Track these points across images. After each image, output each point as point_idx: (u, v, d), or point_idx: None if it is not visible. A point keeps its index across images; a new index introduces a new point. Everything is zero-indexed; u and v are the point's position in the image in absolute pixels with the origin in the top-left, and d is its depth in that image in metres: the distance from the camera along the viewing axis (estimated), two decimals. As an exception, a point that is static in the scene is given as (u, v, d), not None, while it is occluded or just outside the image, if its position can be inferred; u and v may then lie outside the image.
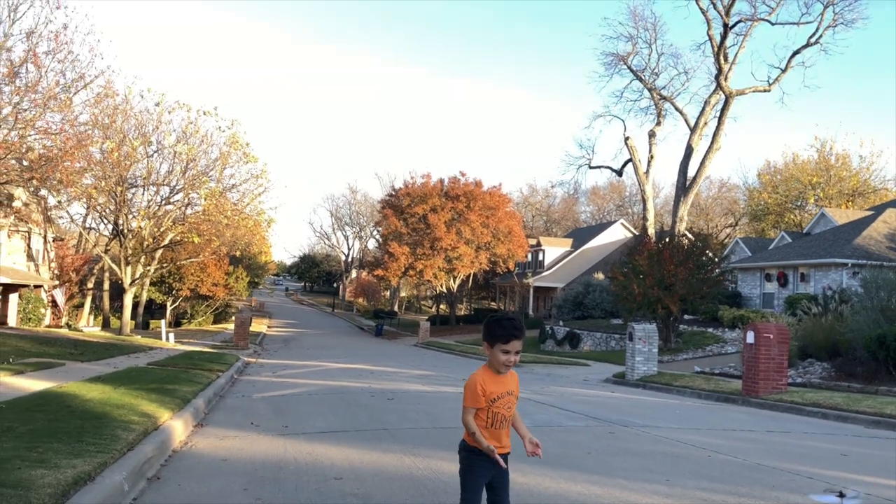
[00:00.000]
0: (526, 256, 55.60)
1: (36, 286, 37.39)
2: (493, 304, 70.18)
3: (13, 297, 35.54)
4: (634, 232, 54.13)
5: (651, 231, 37.07)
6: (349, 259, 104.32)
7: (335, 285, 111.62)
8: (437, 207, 50.73)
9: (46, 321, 39.03)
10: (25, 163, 19.91)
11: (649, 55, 39.79)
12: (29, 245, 38.42)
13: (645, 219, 38.92)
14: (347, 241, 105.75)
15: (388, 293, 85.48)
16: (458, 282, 54.16)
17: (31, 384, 9.86)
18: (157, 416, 7.48)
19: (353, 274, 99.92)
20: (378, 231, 67.63)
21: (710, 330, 28.95)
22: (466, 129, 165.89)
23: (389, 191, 67.72)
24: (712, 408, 12.83)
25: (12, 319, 35.08)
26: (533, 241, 58.61)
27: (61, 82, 21.34)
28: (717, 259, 27.54)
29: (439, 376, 17.32)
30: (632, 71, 39.71)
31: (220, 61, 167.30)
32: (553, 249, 57.75)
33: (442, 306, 63.21)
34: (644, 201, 39.55)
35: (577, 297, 39.74)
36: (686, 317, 29.16)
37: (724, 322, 29.37)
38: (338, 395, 11.85)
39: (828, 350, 18.77)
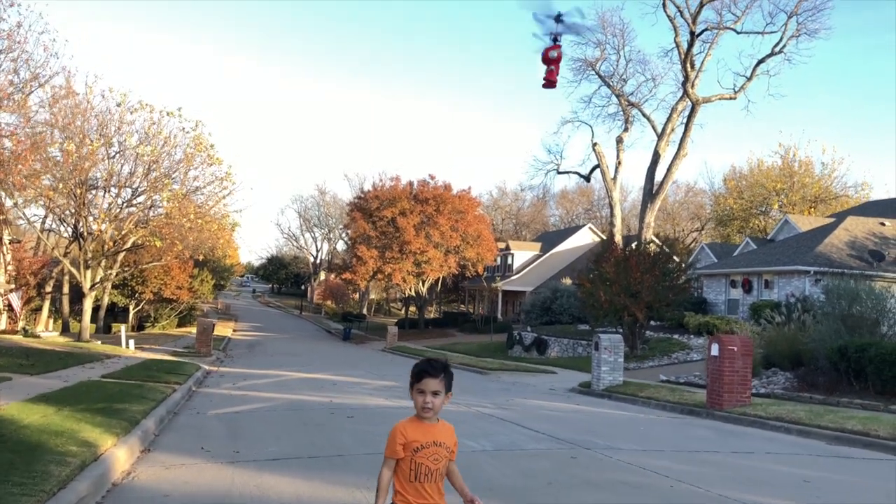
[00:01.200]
0: (495, 260, 55.57)
1: (-9, 290, 36.26)
2: (462, 307, 70.07)
3: (-34, 302, 34.39)
4: (602, 236, 54.43)
5: (618, 237, 37.24)
6: (318, 261, 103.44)
7: (303, 287, 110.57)
8: (406, 211, 50.42)
9: (2, 327, 37.89)
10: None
11: (617, 61, 40.05)
12: (-17, 247, 37.24)
13: (612, 224, 39.10)
14: (316, 242, 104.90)
15: (357, 295, 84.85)
16: (427, 285, 53.90)
17: (-30, 405, 9.38)
18: (99, 443, 7.10)
19: (322, 276, 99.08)
20: (347, 234, 67.05)
21: (675, 336, 29.10)
22: (436, 131, 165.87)
23: (358, 193, 67.25)
24: (677, 423, 12.76)
25: (-35, 325, 33.94)
26: (502, 245, 58.61)
27: (14, 81, 20.63)
28: (683, 266, 27.67)
29: (403, 388, 16.90)
30: (600, 77, 39.87)
31: (184, 63, 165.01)
32: (522, 253, 57.81)
33: (412, 309, 62.89)
34: (611, 207, 39.74)
35: (544, 302, 39.75)
36: (652, 323, 29.29)
37: (689, 328, 29.55)
38: (296, 413, 11.52)
39: (791, 359, 18.88)
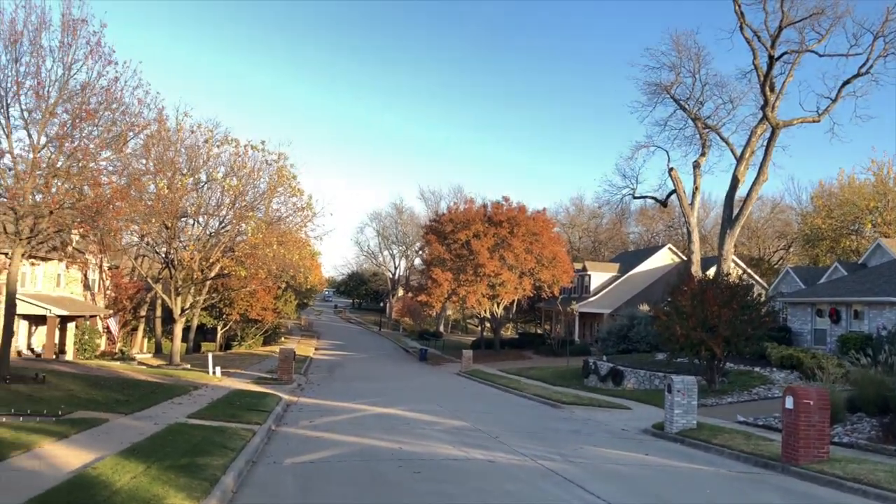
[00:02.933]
0: (571, 282, 55.17)
1: (91, 316, 38.71)
2: (538, 328, 69.71)
3: (70, 327, 36.87)
4: (682, 257, 53.22)
5: (695, 267, 36.37)
6: (395, 277, 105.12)
7: (382, 304, 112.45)
8: (480, 233, 50.79)
9: (102, 348, 40.38)
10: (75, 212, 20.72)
11: (693, 84, 39.26)
12: (85, 275, 39.86)
13: (690, 251, 38.24)
14: (394, 259, 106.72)
15: (433, 312, 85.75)
16: (501, 308, 53.99)
17: (69, 458, 10.24)
18: (181, 512, 7.69)
19: (400, 292, 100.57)
20: (423, 253, 68.03)
21: (756, 369, 28.20)
22: (512, 146, 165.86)
23: (433, 215, 68.18)
24: (747, 483, 12.49)
25: (70, 349, 36.36)
26: (578, 266, 58.14)
27: (113, 130, 22.14)
28: (763, 299, 26.83)
29: (473, 430, 17.30)
30: (675, 101, 39.19)
31: (261, 79, 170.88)
32: (599, 275, 57.16)
33: (488, 326, 63.13)
34: (689, 233, 38.88)
35: (621, 329, 39.21)
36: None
37: (771, 360, 28.56)
38: (366, 465, 11.95)
39: (878, 405, 18.07)
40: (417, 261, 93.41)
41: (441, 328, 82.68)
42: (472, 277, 49.94)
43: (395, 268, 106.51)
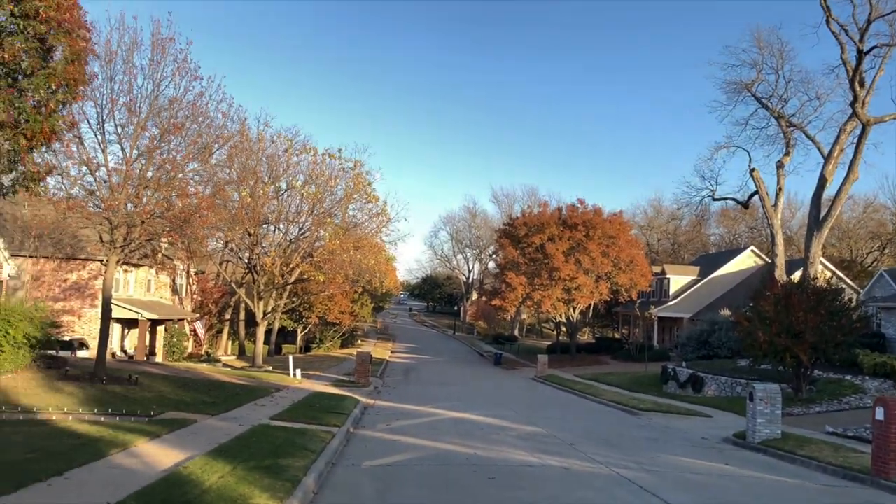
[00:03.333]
0: (649, 286, 54.07)
1: (179, 319, 40.49)
2: (615, 332, 68.59)
3: (160, 330, 38.67)
4: (766, 259, 51.37)
5: (779, 271, 35.02)
6: (469, 281, 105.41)
7: (456, 307, 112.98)
8: (554, 237, 50.38)
9: (189, 350, 42.19)
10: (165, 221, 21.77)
11: (776, 81, 37.85)
12: (174, 281, 41.73)
13: (773, 254, 36.85)
14: (468, 263, 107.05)
15: (508, 316, 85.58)
16: (577, 312, 53.42)
17: (162, 457, 10.82)
18: (265, 511, 8.04)
19: (474, 296, 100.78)
20: (497, 257, 67.99)
21: (847, 377, 26.99)
22: (587, 147, 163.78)
23: (507, 218, 68.05)
24: (832, 500, 12.02)
25: (159, 351, 38.15)
26: (657, 269, 56.93)
27: (199, 142, 23.19)
28: (853, 304, 25.66)
29: (548, 436, 17.25)
30: (757, 99, 37.89)
31: (336, 82, 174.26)
32: (678, 278, 55.81)
33: (564, 331, 62.54)
34: (773, 236, 37.49)
35: (701, 335, 38.17)
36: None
37: (864, 368, 27.28)
38: (441, 469, 12.13)
39: (980, 417, 17.02)
40: (491, 264, 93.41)
41: (516, 332, 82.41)
42: (546, 282, 49.59)
43: (469, 271, 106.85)
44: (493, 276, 75.94)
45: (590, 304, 53.62)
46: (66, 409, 16.05)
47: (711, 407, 25.59)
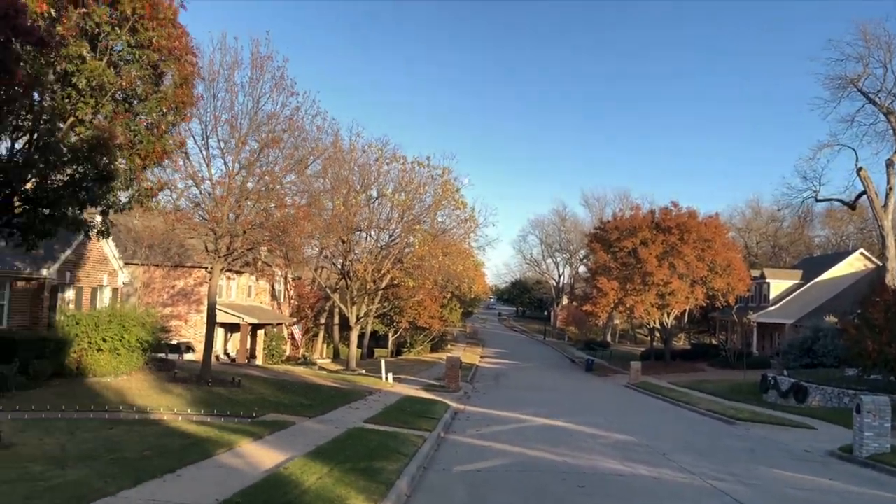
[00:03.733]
0: (748, 290, 52.06)
1: (277, 324, 42.14)
2: (712, 338, 66.37)
3: (260, 334, 40.37)
4: (877, 262, 48.54)
5: (890, 276, 32.98)
6: (560, 285, 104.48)
7: (546, 312, 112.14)
8: (647, 240, 49.35)
9: (287, 353, 43.83)
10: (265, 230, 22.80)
11: (884, 76, 35.74)
12: (272, 287, 43.48)
13: (884, 257, 34.78)
14: (558, 267, 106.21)
15: (599, 322, 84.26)
16: (671, 317, 52.08)
17: (264, 457, 11.40)
18: (361, 512, 8.38)
19: (564, 301, 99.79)
20: (588, 262, 67.21)
21: (969, 389, 25.17)
22: (680, 150, 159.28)
23: (597, 221, 67.15)
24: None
25: (259, 354, 39.83)
26: (756, 273, 54.77)
27: (295, 155, 24.17)
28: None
29: (640, 445, 17.00)
30: (864, 94, 35.91)
31: (424, 89, 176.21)
32: (779, 282, 53.42)
33: (658, 337, 61.06)
34: (882, 238, 35.43)
35: (804, 342, 36.45)
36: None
37: None
38: (530, 477, 12.21)
39: None
40: (582, 269, 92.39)
41: (608, 338, 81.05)
42: (639, 286, 48.63)
43: (559, 276, 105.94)
44: (584, 280, 75.09)
45: (685, 310, 52.22)
46: (175, 410, 17.10)
47: (815, 418, 24.44)
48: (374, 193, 38.99)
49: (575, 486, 11.42)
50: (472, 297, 67.22)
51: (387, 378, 31.83)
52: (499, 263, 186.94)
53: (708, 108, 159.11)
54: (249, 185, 22.72)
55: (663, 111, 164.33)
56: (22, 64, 8.51)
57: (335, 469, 10.74)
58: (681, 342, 70.91)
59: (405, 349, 60.76)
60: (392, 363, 41.96)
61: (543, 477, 12.19)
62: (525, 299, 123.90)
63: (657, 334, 59.10)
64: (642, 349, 65.64)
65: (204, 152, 22.49)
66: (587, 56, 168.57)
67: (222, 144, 22.55)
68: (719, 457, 15.78)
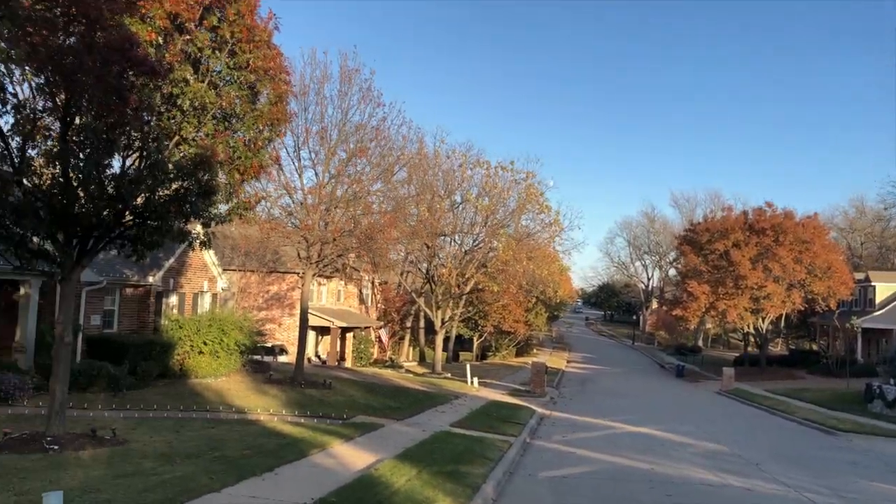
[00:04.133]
0: (851, 294, 49.45)
1: (365, 327, 43.17)
2: (811, 344, 63.40)
3: (349, 337, 41.46)
4: None
5: None
6: (649, 288, 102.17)
7: (635, 316, 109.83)
8: (740, 242, 47.68)
9: (374, 356, 44.83)
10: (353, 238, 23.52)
11: None
12: (360, 291, 44.57)
13: None
14: (647, 270, 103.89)
15: (690, 327, 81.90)
16: (767, 322, 50.10)
17: (354, 458, 11.85)
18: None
19: (653, 305, 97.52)
20: (678, 265, 65.55)
21: None
22: (775, 149, 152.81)
23: (687, 223, 65.42)
24: None
25: (348, 356, 40.92)
26: (860, 276, 51.93)
27: (382, 164, 24.82)
28: None
29: (732, 455, 16.57)
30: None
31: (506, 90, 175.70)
32: (886, 285, 50.36)
33: (752, 342, 58.84)
34: None
35: (912, 349, 34.36)
36: None
37: None
38: (617, 485, 12.16)
39: None
40: (672, 272, 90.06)
41: (699, 342, 78.71)
42: (732, 290, 47.04)
43: (648, 279, 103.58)
44: (674, 284, 73.21)
45: (781, 314, 50.11)
46: (271, 411, 17.89)
47: (926, 430, 23.10)
48: (458, 198, 39.45)
49: (663, 496, 11.31)
50: (558, 300, 66.72)
51: (472, 382, 32.08)
52: (585, 266, 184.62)
53: (802, 107, 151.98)
54: (338, 192, 23.50)
55: (756, 110, 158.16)
56: (134, 91, 9.25)
57: (423, 472, 11.05)
58: (778, 348, 68.01)
59: (490, 353, 60.89)
60: (477, 367, 42.21)
61: (631, 486, 12.12)
62: (613, 303, 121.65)
63: (752, 339, 56.94)
64: (736, 354, 63.43)
65: (296, 163, 23.43)
66: (674, 52, 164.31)
67: (312, 155, 23.44)
68: (816, 469, 15.20)
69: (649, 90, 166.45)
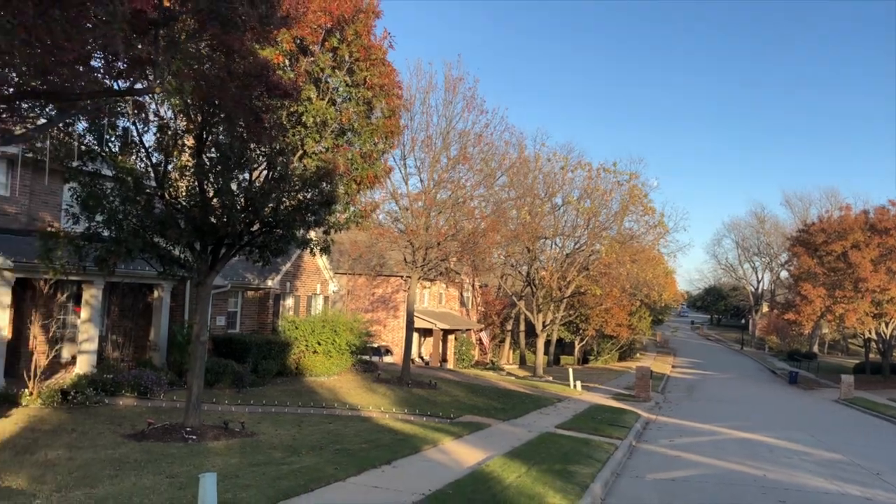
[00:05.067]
0: None
1: (466, 329, 43.84)
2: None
3: (451, 339, 42.25)
4: None
5: None
6: (758, 292, 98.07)
7: (743, 320, 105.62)
8: (860, 243, 45.22)
9: (475, 358, 45.45)
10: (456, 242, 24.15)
11: None
12: (461, 294, 45.30)
13: None
14: (756, 272, 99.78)
15: (804, 331, 78.01)
16: (891, 328, 47.25)
17: (465, 455, 12.36)
18: (559, 510, 8.99)
19: (764, 308, 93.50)
20: (790, 268, 62.69)
21: None
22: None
23: (801, 224, 62.54)
24: None
25: (450, 358, 41.70)
26: None
27: (484, 170, 25.35)
28: None
29: (849, 464, 16.00)
30: None
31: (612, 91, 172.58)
32: None
33: (874, 348, 55.53)
34: None
35: None
36: None
37: None
38: (726, 490, 12.10)
39: None
40: (784, 274, 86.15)
41: (814, 348, 74.90)
42: (850, 293, 44.68)
43: (758, 281, 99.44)
44: (786, 287, 70.07)
45: (907, 319, 47.12)
46: (381, 408, 18.73)
47: None
48: (559, 201, 39.50)
49: (775, 501, 11.19)
50: (663, 304, 65.29)
51: (575, 385, 32.08)
52: (691, 269, 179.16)
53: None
54: (441, 196, 24.21)
55: (874, 105, 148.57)
56: (268, 111, 10.14)
57: (532, 469, 11.42)
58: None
59: (591, 357, 60.33)
60: (578, 371, 42.06)
61: (740, 490, 12.03)
62: (720, 307, 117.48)
63: (873, 345, 53.76)
64: (856, 361, 60.08)
65: (402, 171, 24.32)
66: (784, 46, 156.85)
67: (418, 163, 24.26)
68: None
69: (758, 86, 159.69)
